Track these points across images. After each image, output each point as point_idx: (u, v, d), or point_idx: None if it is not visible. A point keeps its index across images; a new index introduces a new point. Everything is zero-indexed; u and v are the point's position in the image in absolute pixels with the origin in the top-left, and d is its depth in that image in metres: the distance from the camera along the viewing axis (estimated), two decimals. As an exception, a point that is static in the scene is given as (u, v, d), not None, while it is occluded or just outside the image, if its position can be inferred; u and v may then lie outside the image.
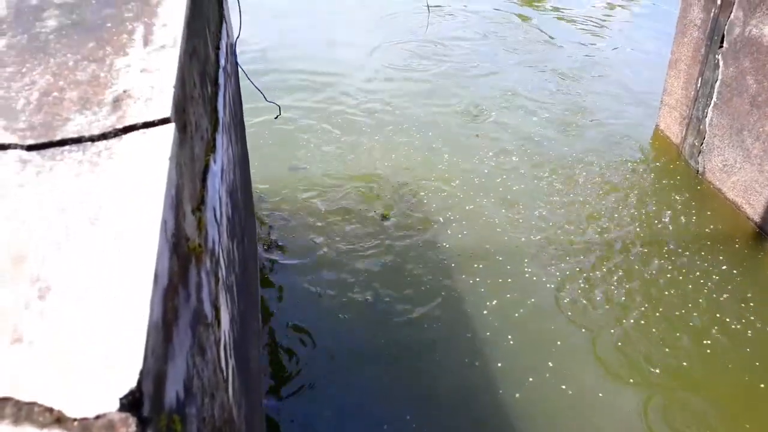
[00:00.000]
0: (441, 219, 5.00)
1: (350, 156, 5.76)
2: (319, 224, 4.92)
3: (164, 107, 1.53)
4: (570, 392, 3.69)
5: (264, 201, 5.18)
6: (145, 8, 2.04)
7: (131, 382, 0.91)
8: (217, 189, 2.22)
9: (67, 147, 1.40)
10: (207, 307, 1.66)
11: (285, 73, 7.20)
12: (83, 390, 0.89)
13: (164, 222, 1.23)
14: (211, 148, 2.29)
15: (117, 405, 0.88)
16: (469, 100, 6.66)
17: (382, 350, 3.94)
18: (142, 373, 0.93)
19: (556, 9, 9.13)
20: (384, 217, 4.96)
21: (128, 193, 1.27)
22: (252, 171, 4.72)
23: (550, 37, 8.07)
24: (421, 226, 4.92)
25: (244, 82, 4.14)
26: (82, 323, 0.99)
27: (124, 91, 1.59)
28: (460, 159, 5.72)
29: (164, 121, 1.49)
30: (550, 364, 3.86)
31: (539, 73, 7.22)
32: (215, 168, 2.25)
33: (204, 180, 2.00)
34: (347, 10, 8.90)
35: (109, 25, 1.93)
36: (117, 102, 1.55)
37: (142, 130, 1.47)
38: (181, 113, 1.69)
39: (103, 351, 0.95)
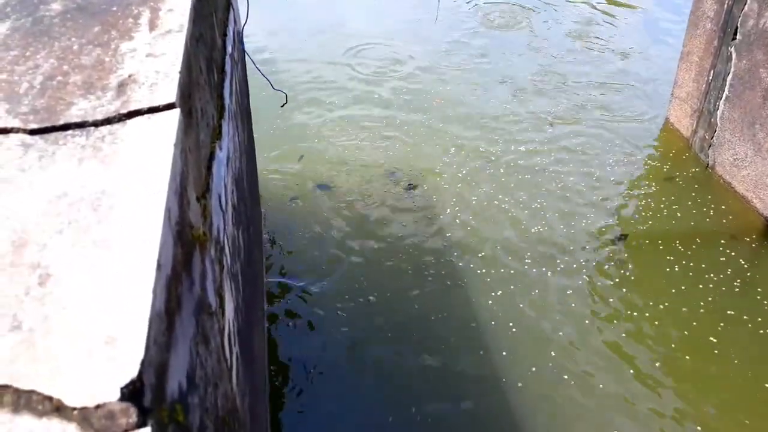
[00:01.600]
0: (448, 210, 4.96)
1: (364, 144, 5.72)
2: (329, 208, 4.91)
3: (170, 92, 1.51)
4: (572, 382, 3.67)
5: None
6: (151, -8, 2.01)
7: (132, 372, 0.89)
8: (222, 176, 2.20)
9: (70, 132, 1.38)
10: (211, 296, 1.65)
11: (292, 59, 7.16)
12: (83, 379, 0.87)
13: (168, 210, 1.21)
14: (217, 135, 2.27)
15: (118, 395, 0.86)
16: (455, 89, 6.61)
17: (388, 338, 3.93)
18: (143, 363, 0.91)
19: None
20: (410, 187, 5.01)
21: (132, 180, 1.25)
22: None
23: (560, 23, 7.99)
24: (430, 216, 4.90)
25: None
26: (83, 311, 0.97)
27: (129, 76, 1.57)
28: (466, 143, 5.67)
29: (169, 107, 1.46)
30: (553, 353, 3.84)
31: (545, 65, 7.15)
32: (221, 155, 2.23)
33: (209, 167, 1.98)
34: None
35: (114, 9, 1.90)
36: (122, 87, 1.53)
37: (146, 116, 1.45)
38: (186, 99, 1.66)
39: (104, 340, 0.93)
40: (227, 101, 2.65)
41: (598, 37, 7.80)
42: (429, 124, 6.04)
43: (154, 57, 1.65)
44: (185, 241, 1.37)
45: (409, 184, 5.23)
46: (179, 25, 1.81)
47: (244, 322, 2.50)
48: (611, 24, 8.18)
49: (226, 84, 2.73)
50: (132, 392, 0.88)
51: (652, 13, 8.54)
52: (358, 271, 4.42)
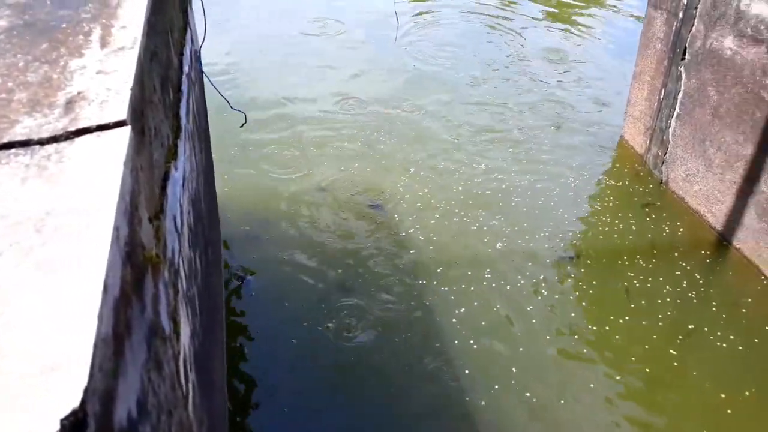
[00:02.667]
0: (411, 229, 4.96)
1: (316, 162, 5.69)
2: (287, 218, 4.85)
3: (120, 110, 1.46)
4: (534, 399, 3.68)
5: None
6: (103, 10, 1.97)
7: (74, 402, 0.84)
8: (178, 197, 2.15)
9: (13, 150, 1.32)
10: (164, 320, 1.59)
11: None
12: (20, 411, 0.82)
13: (116, 229, 1.17)
14: (173, 154, 2.22)
15: (57, 427, 0.81)
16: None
17: (351, 360, 3.87)
18: (86, 391, 0.86)
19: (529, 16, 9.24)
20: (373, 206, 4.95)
21: (78, 199, 1.20)
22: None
23: (520, 44, 8.15)
24: (392, 234, 4.88)
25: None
26: (23, 338, 0.92)
27: (78, 93, 1.52)
28: (427, 163, 5.70)
29: (120, 124, 1.42)
30: (515, 370, 3.85)
31: (505, 81, 7.27)
32: (176, 175, 2.18)
33: (164, 187, 1.93)
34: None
35: (64, 26, 1.85)
36: (70, 104, 1.48)
37: (96, 133, 1.40)
38: (138, 116, 1.62)
39: (44, 367, 0.88)
40: (183, 121, 2.60)
41: (555, 58, 7.99)
42: (389, 142, 6.05)
43: (105, 74, 1.60)
44: (136, 263, 1.32)
45: (372, 204, 5.21)
46: (132, 41, 1.77)
47: (201, 348, 2.43)
48: (568, 45, 8.38)
49: (183, 103, 2.68)
50: (73, 424, 0.83)
51: (609, 34, 8.79)
52: (315, 295, 4.36)
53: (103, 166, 1.29)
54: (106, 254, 1.08)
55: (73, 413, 0.83)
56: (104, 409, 0.94)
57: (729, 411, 3.66)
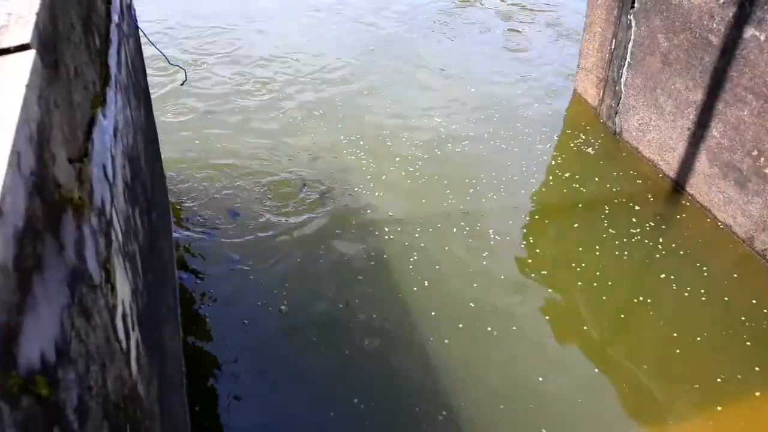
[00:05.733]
0: (386, 228, 4.70)
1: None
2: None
3: (24, 35, 1.31)
4: (495, 333, 3.68)
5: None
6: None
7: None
8: (108, 146, 1.99)
9: None
10: (93, 268, 1.46)
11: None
12: None
13: (17, 154, 1.03)
14: (101, 101, 2.06)
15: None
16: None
17: (340, 370, 3.64)
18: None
19: None
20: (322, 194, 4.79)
21: (-28, 124, 1.06)
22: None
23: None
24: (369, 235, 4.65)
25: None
26: None
27: (-25, 20, 1.36)
28: (381, 129, 5.59)
29: (22, 48, 1.27)
30: (472, 305, 3.84)
31: (456, 48, 7.18)
32: (105, 123, 2.02)
33: (89, 132, 1.78)
34: None
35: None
36: (-35, 30, 1.32)
37: (-6, 59, 1.25)
38: (50, 49, 1.46)
39: None
40: (113, 70, 2.42)
41: (513, 25, 7.92)
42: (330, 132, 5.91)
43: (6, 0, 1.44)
44: (49, 199, 1.18)
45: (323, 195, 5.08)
46: (39, -31, 1.60)
47: (147, 309, 2.30)
48: (521, 17, 8.31)
49: (112, 52, 2.50)
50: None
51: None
52: (303, 290, 4.24)
53: (2, 88, 1.14)
54: (1, 178, 0.95)
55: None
56: (4, 345, 0.83)
57: (677, 351, 3.68)
